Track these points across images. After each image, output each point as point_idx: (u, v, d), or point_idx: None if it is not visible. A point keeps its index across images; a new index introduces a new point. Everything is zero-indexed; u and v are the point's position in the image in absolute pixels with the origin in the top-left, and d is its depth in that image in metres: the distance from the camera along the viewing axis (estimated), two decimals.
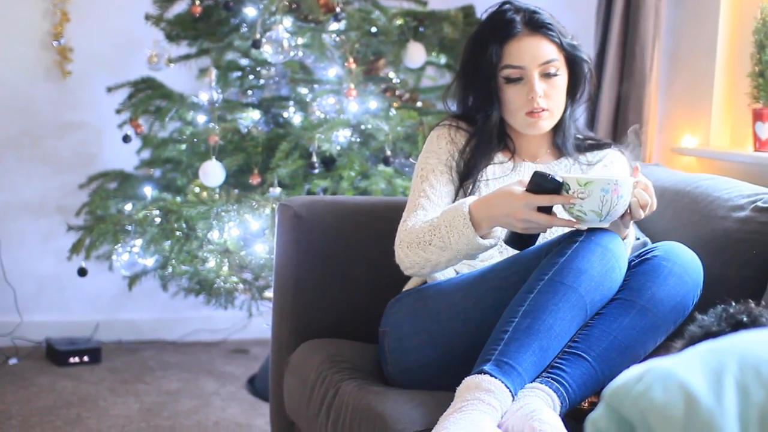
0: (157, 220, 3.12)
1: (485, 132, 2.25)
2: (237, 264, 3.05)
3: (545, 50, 2.18)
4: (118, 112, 3.52)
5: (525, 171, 2.27)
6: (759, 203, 2.22)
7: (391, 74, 3.57)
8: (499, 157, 2.28)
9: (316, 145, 3.02)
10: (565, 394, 1.85)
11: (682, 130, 3.25)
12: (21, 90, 4.07)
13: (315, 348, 2.42)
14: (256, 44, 3.13)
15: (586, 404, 1.94)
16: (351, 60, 3.24)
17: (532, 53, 2.18)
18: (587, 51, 2.29)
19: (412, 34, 3.40)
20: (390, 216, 2.53)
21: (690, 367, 1.02)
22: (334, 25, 3.30)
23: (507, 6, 2.22)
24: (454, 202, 2.21)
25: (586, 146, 2.33)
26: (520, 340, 1.86)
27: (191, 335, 4.33)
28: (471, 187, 2.22)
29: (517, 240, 2.05)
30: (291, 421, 2.52)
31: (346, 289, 2.51)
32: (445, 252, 2.06)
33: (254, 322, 3.86)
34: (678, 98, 3.29)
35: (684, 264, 1.98)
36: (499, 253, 2.18)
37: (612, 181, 1.90)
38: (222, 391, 3.71)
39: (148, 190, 3.39)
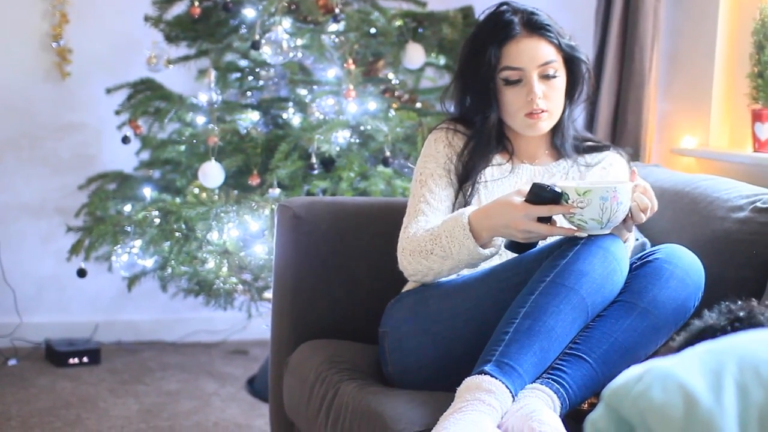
0: (157, 221, 3.11)
1: (483, 134, 2.24)
2: (236, 265, 3.05)
3: (544, 51, 2.18)
4: (117, 113, 3.51)
5: (523, 173, 2.27)
6: (758, 204, 2.22)
7: (391, 75, 3.57)
8: (498, 158, 2.28)
9: (315, 146, 3.02)
10: (565, 395, 1.86)
11: (681, 131, 3.25)
12: (20, 91, 4.07)
13: (314, 349, 2.42)
14: (256, 45, 3.14)
15: (586, 405, 1.94)
16: (350, 61, 3.24)
17: (530, 55, 2.17)
18: (586, 52, 2.29)
19: (411, 35, 3.40)
20: (389, 217, 2.53)
21: (689, 368, 1.02)
22: (333, 26, 3.30)
23: (505, 7, 2.21)
24: (454, 204, 2.22)
25: (584, 148, 2.33)
26: (521, 341, 1.87)
27: (191, 336, 4.33)
28: (470, 189, 2.22)
29: (517, 245, 2.05)
30: (290, 422, 2.52)
31: (345, 290, 2.51)
32: (447, 261, 2.08)
33: (254, 322, 3.86)
34: (677, 99, 3.29)
35: (685, 266, 1.99)
36: (498, 256, 2.18)
37: (610, 188, 1.90)
38: (221, 392, 3.71)
39: (148, 191, 3.39)
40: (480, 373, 1.84)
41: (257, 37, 3.15)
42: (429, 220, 2.16)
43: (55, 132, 4.13)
